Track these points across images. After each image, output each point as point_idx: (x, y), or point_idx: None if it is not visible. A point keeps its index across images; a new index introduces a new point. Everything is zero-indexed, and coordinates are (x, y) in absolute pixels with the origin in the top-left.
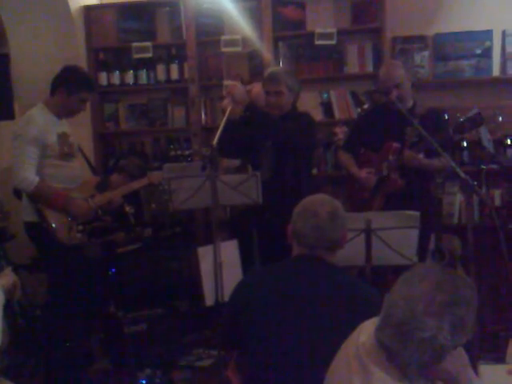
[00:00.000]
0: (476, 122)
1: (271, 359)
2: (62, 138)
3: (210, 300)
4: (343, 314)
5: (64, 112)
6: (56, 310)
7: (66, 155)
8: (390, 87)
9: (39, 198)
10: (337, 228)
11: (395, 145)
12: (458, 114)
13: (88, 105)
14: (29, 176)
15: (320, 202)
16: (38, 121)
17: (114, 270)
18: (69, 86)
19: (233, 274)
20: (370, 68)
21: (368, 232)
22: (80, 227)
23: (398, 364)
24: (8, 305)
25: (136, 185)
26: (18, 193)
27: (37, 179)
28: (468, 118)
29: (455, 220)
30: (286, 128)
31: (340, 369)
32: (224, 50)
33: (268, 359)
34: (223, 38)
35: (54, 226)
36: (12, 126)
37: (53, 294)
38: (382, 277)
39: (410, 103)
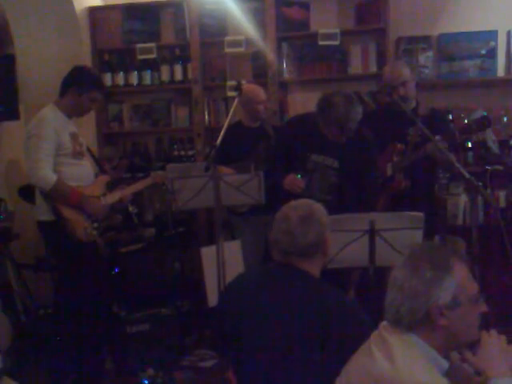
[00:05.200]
0: (483, 124)
1: (247, 364)
2: (74, 137)
3: (212, 300)
4: (314, 321)
5: (75, 112)
6: (67, 309)
7: (78, 154)
8: (396, 85)
9: (56, 195)
10: (309, 233)
11: (399, 146)
12: (463, 115)
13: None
14: (47, 174)
15: (294, 206)
16: (52, 120)
17: (117, 269)
18: (80, 86)
19: (236, 275)
20: (373, 68)
21: (372, 233)
22: (95, 224)
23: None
24: (11, 304)
25: (140, 185)
26: (23, 193)
27: (55, 177)
28: (475, 121)
29: (460, 221)
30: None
31: (360, 352)
32: (227, 50)
33: (244, 364)
34: (227, 38)
35: (72, 223)
36: (17, 126)
37: (64, 292)
38: (385, 277)
39: (413, 104)
